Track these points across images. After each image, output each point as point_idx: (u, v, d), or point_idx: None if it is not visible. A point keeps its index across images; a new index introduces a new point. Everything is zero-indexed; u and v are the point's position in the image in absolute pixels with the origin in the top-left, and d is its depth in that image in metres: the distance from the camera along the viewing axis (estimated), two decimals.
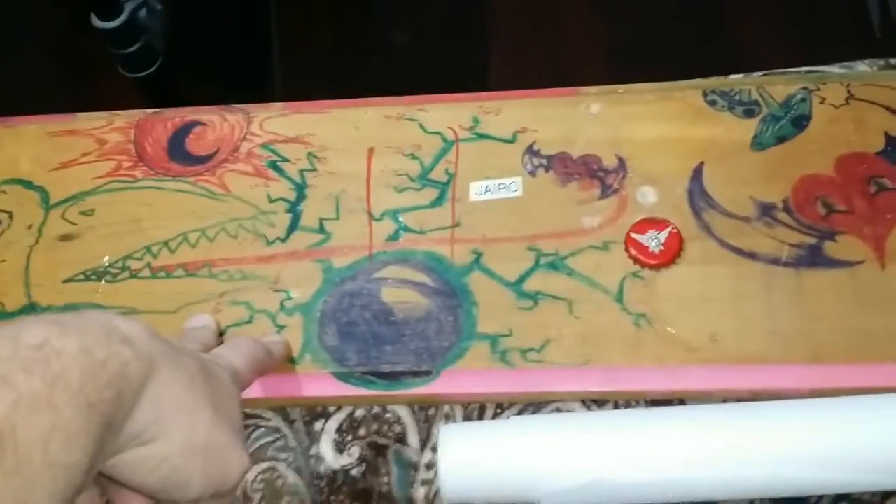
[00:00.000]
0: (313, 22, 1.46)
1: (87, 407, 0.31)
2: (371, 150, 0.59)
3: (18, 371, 0.30)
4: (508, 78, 1.38)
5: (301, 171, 0.59)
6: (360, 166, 0.58)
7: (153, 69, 0.86)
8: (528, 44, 1.43)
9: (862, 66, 0.58)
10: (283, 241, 0.56)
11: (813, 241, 0.52)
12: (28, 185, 0.60)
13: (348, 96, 0.62)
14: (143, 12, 0.81)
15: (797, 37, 1.37)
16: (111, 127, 0.62)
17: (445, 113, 0.60)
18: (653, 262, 0.52)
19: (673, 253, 0.52)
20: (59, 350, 0.31)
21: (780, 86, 0.57)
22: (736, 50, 1.37)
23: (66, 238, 0.58)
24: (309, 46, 1.43)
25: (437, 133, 0.59)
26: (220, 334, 0.53)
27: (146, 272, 0.56)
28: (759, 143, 0.55)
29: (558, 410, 0.51)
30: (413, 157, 0.58)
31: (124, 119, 0.62)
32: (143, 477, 0.35)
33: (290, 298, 0.55)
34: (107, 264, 0.57)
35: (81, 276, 0.57)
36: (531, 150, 0.57)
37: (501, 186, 0.56)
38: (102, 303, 0.56)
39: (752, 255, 0.52)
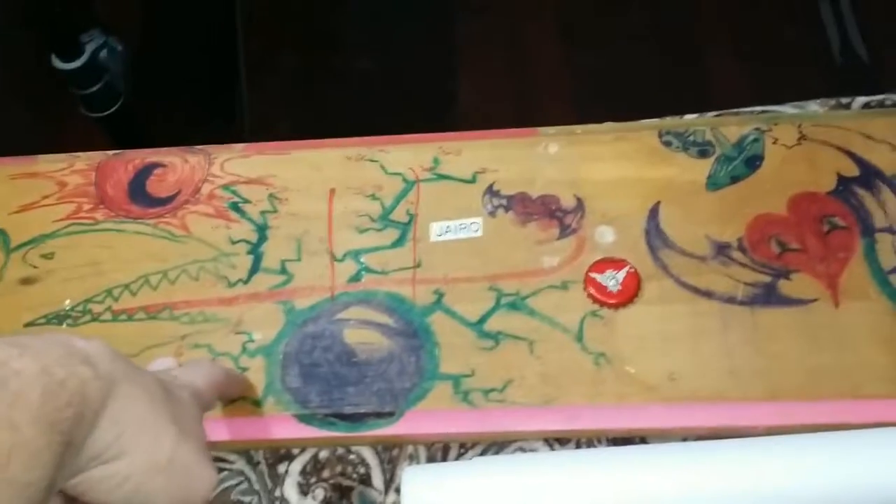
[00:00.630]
0: (280, 47, 1.47)
1: (46, 426, 0.31)
2: (332, 191, 0.59)
3: None
4: (475, 104, 1.40)
5: (262, 213, 0.59)
6: (321, 207, 0.59)
7: (115, 108, 0.86)
8: (496, 70, 1.45)
9: (814, 106, 0.60)
10: (244, 282, 0.57)
11: (767, 279, 0.53)
12: None
13: (316, 124, 0.62)
14: (103, 52, 0.81)
15: (759, 67, 1.40)
16: (72, 169, 0.62)
17: (406, 154, 0.60)
18: (611, 301, 0.53)
19: (631, 292, 0.53)
20: (17, 371, 0.32)
21: (733, 126, 0.58)
22: (702, 78, 1.40)
23: (27, 282, 0.58)
24: (275, 72, 1.44)
25: (398, 174, 0.59)
26: None
27: (107, 315, 0.56)
28: (713, 183, 0.56)
29: (521, 450, 0.51)
30: (374, 197, 0.59)
31: (85, 161, 0.62)
32: (107, 495, 0.35)
33: (252, 340, 0.55)
34: (68, 307, 0.57)
35: (43, 320, 0.56)
36: (491, 191, 0.58)
37: (462, 227, 0.57)
38: None
39: (708, 294, 0.53)
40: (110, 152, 0.63)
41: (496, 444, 0.52)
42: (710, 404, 0.50)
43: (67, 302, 0.57)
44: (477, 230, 0.57)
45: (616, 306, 0.53)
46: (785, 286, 0.52)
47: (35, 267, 0.58)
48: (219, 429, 0.52)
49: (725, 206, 0.55)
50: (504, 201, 0.57)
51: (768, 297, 0.52)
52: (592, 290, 0.53)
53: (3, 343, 0.33)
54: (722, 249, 0.54)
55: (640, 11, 1.47)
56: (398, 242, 0.57)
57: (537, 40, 1.47)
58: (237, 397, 0.52)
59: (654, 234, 0.55)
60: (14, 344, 0.33)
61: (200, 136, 0.65)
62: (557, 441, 0.51)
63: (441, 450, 0.52)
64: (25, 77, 1.39)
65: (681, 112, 0.61)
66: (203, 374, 0.46)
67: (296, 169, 0.60)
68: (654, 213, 0.56)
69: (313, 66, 1.46)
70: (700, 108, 0.62)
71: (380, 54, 1.47)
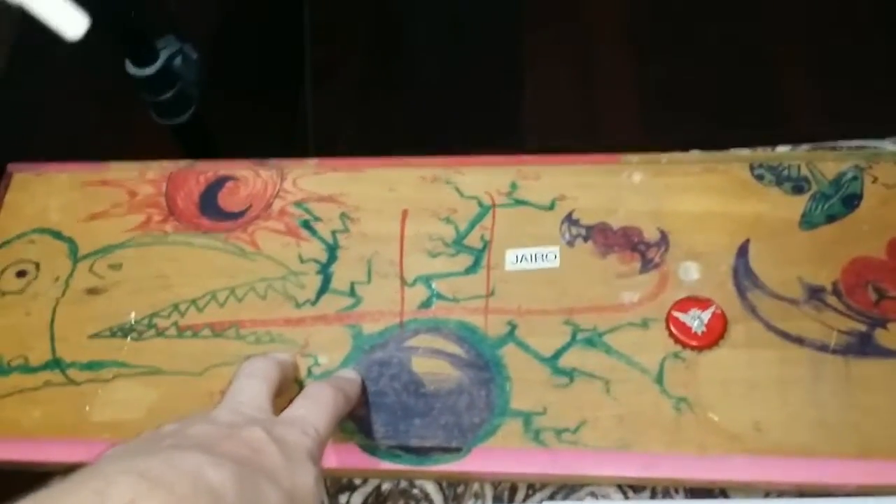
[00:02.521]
0: (347, 55, 1.46)
1: None
2: (405, 213, 0.58)
3: None
4: (541, 117, 1.37)
5: (333, 232, 0.57)
6: (393, 229, 0.57)
7: (186, 116, 0.85)
8: (562, 85, 1.42)
9: None
10: (312, 303, 0.55)
11: (863, 328, 0.50)
12: (57, 235, 0.60)
13: (380, 133, 0.61)
14: (178, 60, 0.81)
15: (837, 93, 1.35)
16: (143, 178, 0.61)
17: (482, 177, 0.58)
18: (695, 343, 0.50)
19: (716, 334, 0.50)
20: None
21: (830, 162, 0.55)
22: (775, 98, 1.36)
23: (92, 292, 0.57)
24: (342, 81, 1.43)
25: (474, 197, 0.57)
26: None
27: (172, 331, 0.55)
28: (807, 222, 0.53)
29: (593, 495, 0.49)
30: (448, 221, 0.57)
31: (156, 171, 0.61)
32: None
33: (318, 364, 0.53)
34: (133, 321, 0.56)
35: (107, 332, 0.56)
36: (570, 219, 0.56)
37: (539, 256, 0.55)
38: (127, 360, 0.54)
39: (799, 340, 0.50)
40: (182, 162, 0.62)
41: (566, 487, 0.49)
42: (798, 458, 0.47)
43: (133, 315, 0.56)
44: (554, 260, 0.55)
45: (700, 348, 0.50)
46: (882, 336, 0.49)
47: (102, 277, 0.58)
48: None
49: (820, 247, 0.52)
50: (583, 231, 0.55)
51: (863, 346, 0.49)
52: (675, 330, 0.50)
53: (133, 474, 0.33)
54: (815, 293, 0.51)
55: (713, 27, 1.44)
56: (471, 269, 0.55)
57: (606, 53, 1.45)
58: None
59: (743, 274, 0.52)
60: (144, 476, 0.33)
61: (267, 145, 0.64)
62: (632, 488, 0.49)
63: (508, 489, 0.50)
64: (97, 80, 1.41)
65: (753, 133, 0.59)
66: (327, 410, 0.45)
67: (369, 187, 0.59)
68: (743, 250, 0.53)
69: (379, 76, 1.45)
70: (771, 130, 0.59)
71: (446, 65, 1.45)
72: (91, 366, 0.55)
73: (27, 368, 0.55)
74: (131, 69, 0.82)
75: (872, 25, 1.42)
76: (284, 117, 1.40)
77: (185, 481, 0.33)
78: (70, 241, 0.59)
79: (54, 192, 0.62)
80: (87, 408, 0.53)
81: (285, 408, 0.45)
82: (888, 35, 1.41)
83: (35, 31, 1.50)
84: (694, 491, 0.48)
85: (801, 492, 0.47)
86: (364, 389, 0.52)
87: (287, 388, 0.50)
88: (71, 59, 1.36)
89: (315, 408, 0.45)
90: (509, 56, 1.45)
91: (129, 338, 0.55)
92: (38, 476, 0.41)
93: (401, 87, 1.43)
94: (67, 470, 0.37)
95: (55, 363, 0.55)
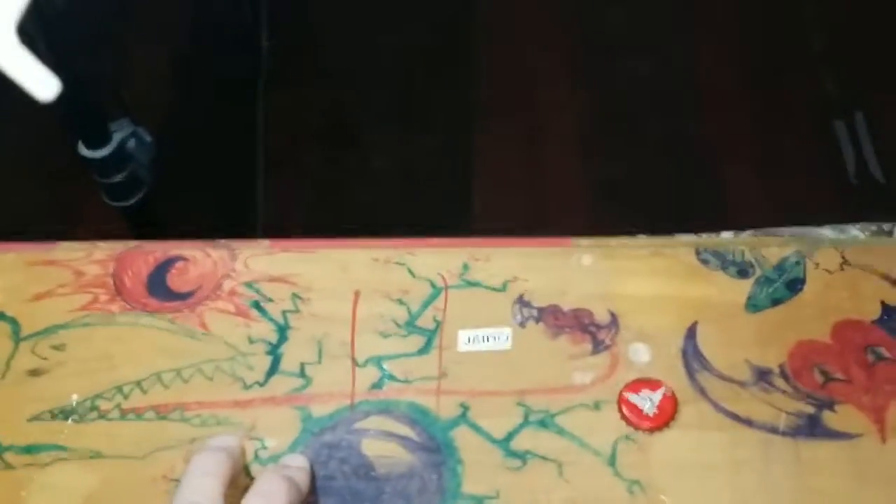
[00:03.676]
0: (299, 143, 1.48)
1: None
2: (357, 293, 0.57)
3: None
4: (489, 210, 1.39)
5: (284, 312, 0.57)
6: (345, 309, 0.57)
7: (137, 199, 0.85)
8: (512, 177, 1.45)
9: (854, 231, 0.58)
10: (261, 385, 0.54)
11: (811, 410, 0.50)
12: (0, 315, 0.58)
13: (333, 219, 0.61)
14: (131, 143, 0.81)
15: (773, 182, 1.40)
16: (90, 259, 0.60)
17: (434, 258, 0.58)
18: (647, 424, 0.50)
19: (667, 416, 0.50)
20: None
21: (773, 248, 0.56)
22: (717, 191, 1.39)
23: (34, 373, 0.55)
24: (294, 167, 1.44)
25: (426, 279, 0.58)
26: None
27: (115, 413, 0.54)
28: (753, 305, 0.54)
29: None
30: (400, 302, 0.57)
31: (104, 251, 0.60)
32: None
33: (265, 447, 0.52)
34: (74, 403, 0.54)
35: (48, 415, 0.54)
36: (521, 301, 0.56)
37: (491, 337, 0.55)
38: (67, 444, 0.53)
39: (748, 422, 0.50)
40: (131, 243, 0.61)
41: None
42: None
43: (75, 397, 0.54)
44: (506, 341, 0.55)
45: (651, 430, 0.50)
46: (830, 418, 0.50)
47: (45, 358, 0.56)
48: None
49: (766, 330, 0.53)
50: (535, 312, 0.56)
51: (812, 428, 0.50)
52: (627, 412, 0.50)
53: None
54: (763, 375, 0.52)
55: (656, 124, 1.48)
56: (424, 350, 0.55)
57: (554, 151, 1.48)
58: None
59: (692, 355, 0.53)
60: None
61: (216, 230, 0.63)
62: None
63: None
64: (45, 161, 1.40)
65: (697, 225, 0.60)
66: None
67: (321, 268, 0.58)
68: (691, 332, 0.53)
69: (332, 164, 1.46)
70: (715, 222, 0.60)
71: (399, 155, 1.47)
72: (29, 449, 0.53)
73: None
74: (84, 151, 0.81)
75: (810, 121, 1.48)
76: (235, 203, 1.40)
77: None
78: (13, 322, 0.58)
79: None
80: (23, 493, 0.51)
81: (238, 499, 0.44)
82: (821, 133, 1.47)
83: None
84: None
85: None
86: (313, 475, 0.51)
87: (237, 477, 0.49)
88: (21, 138, 1.35)
89: (266, 498, 0.44)
90: (460, 150, 1.48)
91: (69, 420, 0.54)
92: None
93: (351, 175, 1.44)
94: None
95: None
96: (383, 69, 1.55)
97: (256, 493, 0.45)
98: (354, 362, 0.55)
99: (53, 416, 0.54)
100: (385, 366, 0.54)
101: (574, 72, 1.54)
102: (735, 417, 0.50)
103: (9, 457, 0.53)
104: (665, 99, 1.50)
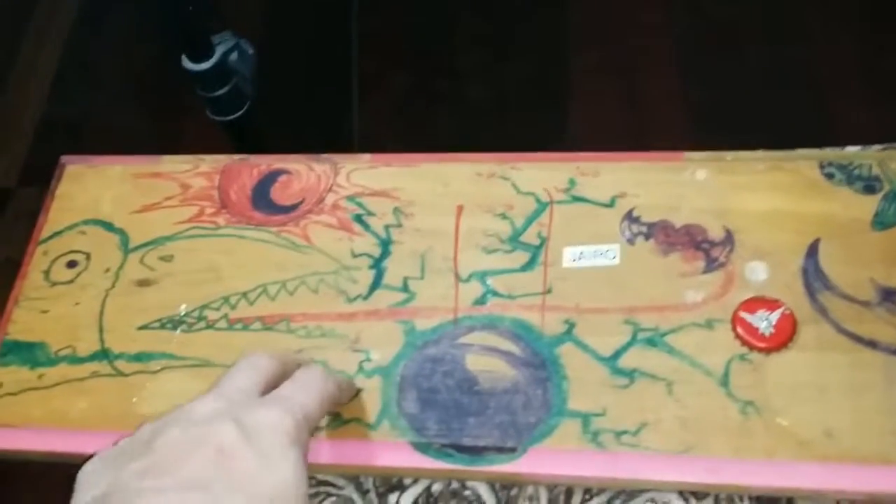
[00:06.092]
0: (392, 67, 1.46)
1: None
2: (460, 208, 0.56)
3: None
4: (588, 133, 1.36)
5: (386, 227, 0.56)
6: (447, 224, 0.56)
7: (240, 113, 0.85)
8: (609, 105, 1.41)
9: None
10: (364, 298, 0.54)
11: None
12: (108, 226, 0.59)
13: (423, 148, 0.59)
14: (234, 55, 0.81)
15: (885, 113, 1.32)
16: (196, 171, 0.60)
17: (539, 173, 0.57)
18: (763, 344, 0.48)
19: (785, 336, 0.48)
20: None
21: None
22: (826, 121, 1.33)
23: (143, 283, 0.56)
24: (386, 92, 1.43)
25: (531, 194, 0.56)
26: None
27: (223, 323, 0.54)
28: (880, 222, 0.51)
29: (653, 501, 0.47)
30: (504, 217, 0.56)
31: (210, 164, 0.61)
32: None
33: (369, 360, 0.52)
34: (183, 313, 0.55)
35: (156, 324, 0.55)
36: (630, 217, 0.54)
37: (597, 253, 0.53)
38: (176, 352, 0.54)
39: (872, 344, 0.48)
40: (236, 156, 0.61)
41: (625, 493, 0.47)
42: (871, 466, 0.45)
43: (183, 307, 0.55)
44: (614, 258, 0.53)
45: (767, 350, 0.48)
46: None
47: (153, 269, 0.57)
48: (328, 451, 0.49)
49: (894, 248, 0.50)
50: (644, 228, 0.53)
51: None
52: (742, 332, 0.48)
53: (187, 489, 0.36)
54: (889, 295, 0.49)
55: (760, 48, 1.41)
56: (528, 266, 0.54)
57: (652, 74, 1.43)
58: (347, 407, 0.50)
59: (813, 274, 0.50)
60: (197, 487, 0.36)
61: (315, 146, 0.63)
62: (694, 495, 0.47)
63: (564, 493, 0.48)
64: (148, 77, 1.42)
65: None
66: (317, 393, 0.44)
67: (423, 183, 0.57)
68: (812, 250, 0.51)
69: (423, 89, 1.44)
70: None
71: (491, 81, 1.45)
72: (139, 357, 0.54)
73: (75, 359, 0.55)
74: (187, 64, 0.81)
75: None
76: (331, 123, 1.40)
77: (239, 497, 0.36)
78: (121, 233, 0.59)
79: (106, 184, 0.61)
80: (135, 399, 0.53)
81: None
82: None
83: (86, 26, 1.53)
84: (760, 499, 0.46)
85: (874, 502, 0.44)
86: (416, 386, 0.50)
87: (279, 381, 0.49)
88: (121, 53, 1.37)
89: (302, 389, 0.44)
90: (554, 77, 1.44)
91: (178, 330, 0.54)
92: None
93: (444, 102, 1.42)
94: None
95: (103, 354, 0.54)
96: None
97: (293, 380, 0.45)
98: (457, 277, 0.54)
99: (162, 325, 0.55)
100: (489, 281, 0.53)
101: None
102: (858, 339, 0.48)
103: (120, 364, 0.54)
104: (771, 24, 1.43)
